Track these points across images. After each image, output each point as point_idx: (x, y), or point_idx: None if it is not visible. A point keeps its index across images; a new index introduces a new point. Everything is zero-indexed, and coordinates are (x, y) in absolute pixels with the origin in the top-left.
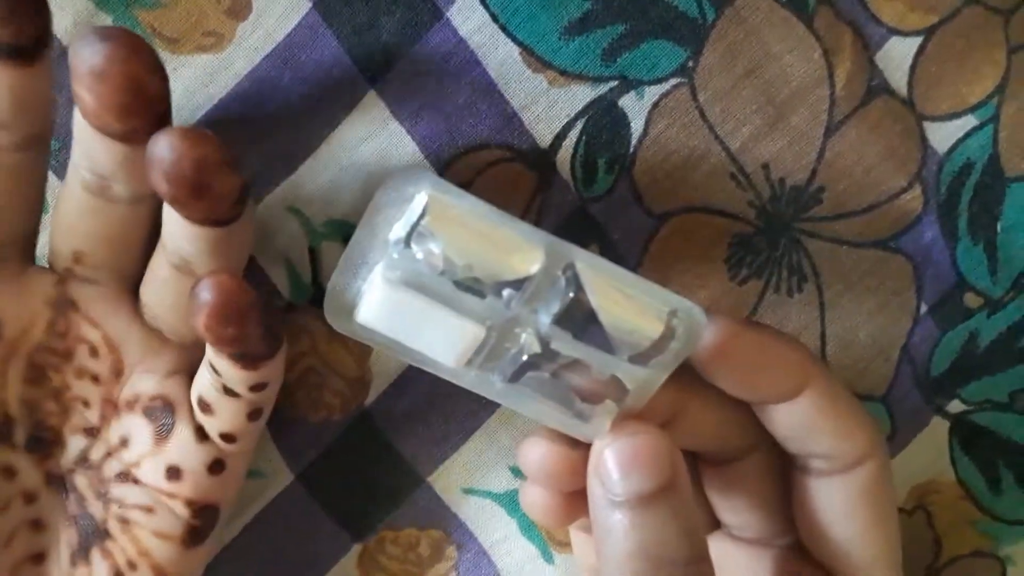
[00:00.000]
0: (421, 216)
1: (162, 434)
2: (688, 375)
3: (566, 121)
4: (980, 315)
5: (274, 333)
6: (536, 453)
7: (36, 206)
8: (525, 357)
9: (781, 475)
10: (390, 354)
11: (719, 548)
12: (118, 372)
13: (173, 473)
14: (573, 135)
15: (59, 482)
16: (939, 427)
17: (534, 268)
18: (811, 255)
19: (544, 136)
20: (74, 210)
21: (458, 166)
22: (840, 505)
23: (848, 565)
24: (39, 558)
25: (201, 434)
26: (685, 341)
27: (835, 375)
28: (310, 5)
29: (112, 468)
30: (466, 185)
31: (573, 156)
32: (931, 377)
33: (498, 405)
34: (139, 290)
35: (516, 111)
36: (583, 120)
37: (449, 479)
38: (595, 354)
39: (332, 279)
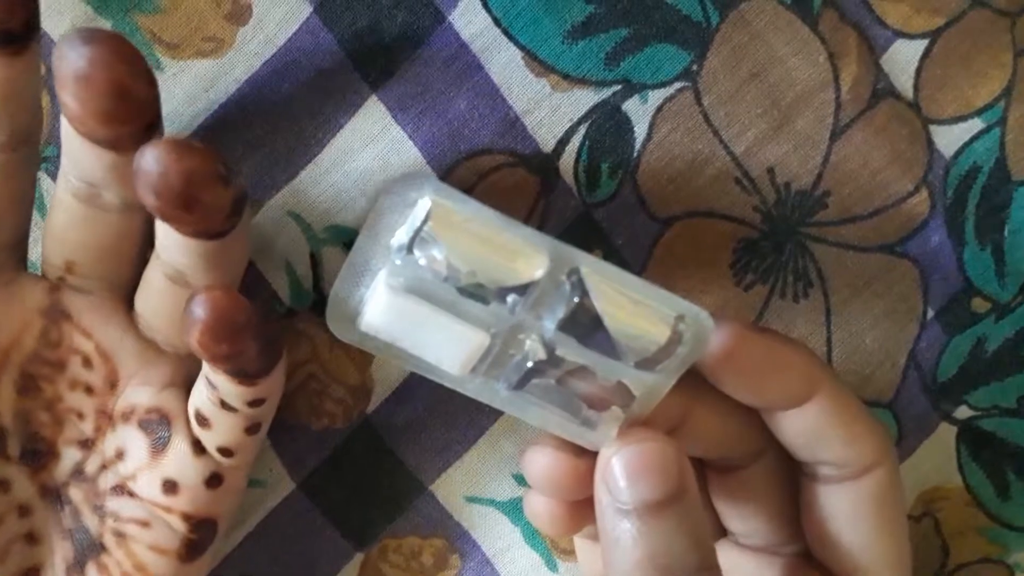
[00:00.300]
0: (424, 221)
1: (158, 447)
2: (694, 380)
3: (569, 125)
4: (987, 320)
5: (271, 348)
6: (540, 462)
7: (26, 210)
8: (530, 364)
9: (789, 482)
10: (393, 361)
11: (726, 556)
12: (112, 383)
13: (170, 487)
14: (576, 140)
15: (54, 495)
16: (946, 433)
17: (538, 273)
18: (817, 260)
19: (547, 141)
20: (65, 219)
21: (460, 171)
22: (849, 512)
23: (857, 573)
24: (33, 572)
25: (198, 447)
26: (692, 346)
27: (843, 381)
28: (311, 9)
29: (107, 481)
30: (468, 190)
31: (576, 161)
32: (938, 383)
33: (501, 412)
34: (134, 300)
35: (519, 115)
36: (586, 124)
37: (452, 487)
38: (601, 360)
39: (334, 286)
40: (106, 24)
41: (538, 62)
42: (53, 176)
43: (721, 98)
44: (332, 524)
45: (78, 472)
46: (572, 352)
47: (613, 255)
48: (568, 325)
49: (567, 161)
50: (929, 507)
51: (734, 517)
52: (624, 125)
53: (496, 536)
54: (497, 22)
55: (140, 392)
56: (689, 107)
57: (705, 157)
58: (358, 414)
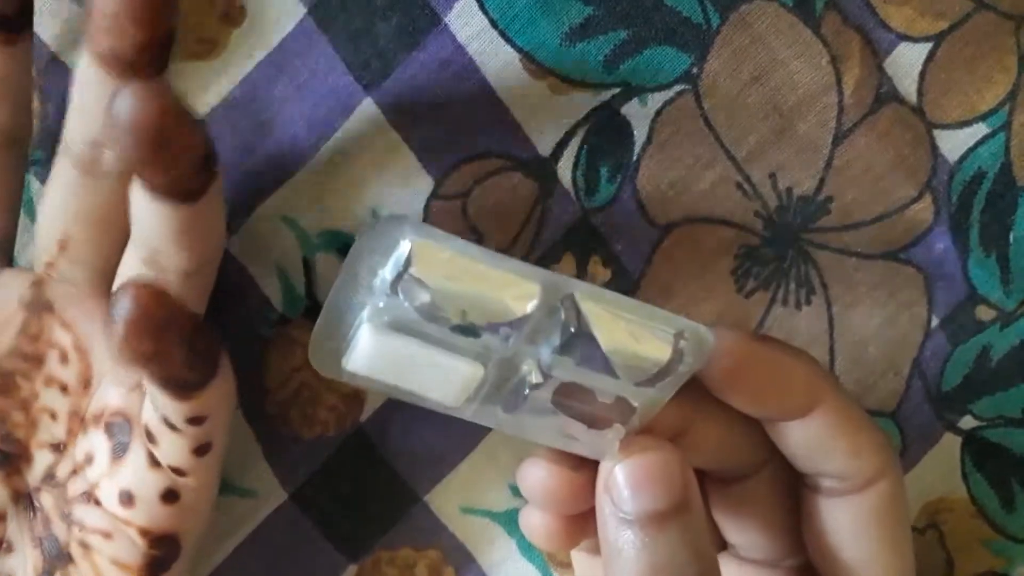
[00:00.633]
0: (407, 263)
1: (118, 453)
2: (695, 391)
3: (567, 129)
4: (992, 328)
5: (203, 358)
6: (537, 475)
7: (13, 210)
8: (527, 391)
9: (790, 494)
10: (385, 394)
11: (725, 569)
12: (86, 382)
13: (126, 498)
14: (575, 143)
15: (26, 500)
16: (951, 443)
17: (531, 305)
18: (819, 266)
19: (545, 144)
20: (63, 192)
21: (457, 175)
22: (852, 525)
23: None
24: None
25: (154, 459)
26: (693, 361)
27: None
28: (305, 11)
29: (76, 487)
30: (465, 194)
31: (575, 165)
32: (942, 392)
33: None
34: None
35: (516, 119)
36: (585, 128)
37: (447, 497)
38: (600, 380)
39: (316, 327)
40: None
41: (536, 64)
42: (42, 179)
43: (722, 102)
44: (325, 535)
45: (50, 476)
46: (570, 374)
47: (611, 261)
48: (565, 350)
49: (565, 165)
50: (933, 519)
51: (734, 529)
52: (623, 129)
53: (492, 548)
54: (494, 24)
55: (111, 392)
56: (689, 110)
57: (706, 161)
58: (351, 423)
